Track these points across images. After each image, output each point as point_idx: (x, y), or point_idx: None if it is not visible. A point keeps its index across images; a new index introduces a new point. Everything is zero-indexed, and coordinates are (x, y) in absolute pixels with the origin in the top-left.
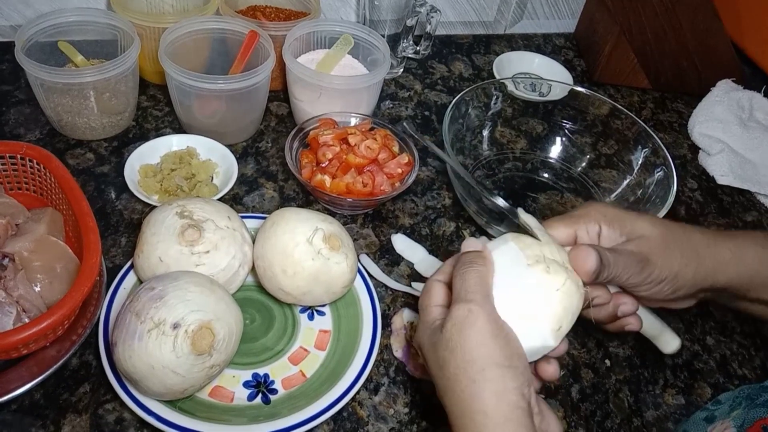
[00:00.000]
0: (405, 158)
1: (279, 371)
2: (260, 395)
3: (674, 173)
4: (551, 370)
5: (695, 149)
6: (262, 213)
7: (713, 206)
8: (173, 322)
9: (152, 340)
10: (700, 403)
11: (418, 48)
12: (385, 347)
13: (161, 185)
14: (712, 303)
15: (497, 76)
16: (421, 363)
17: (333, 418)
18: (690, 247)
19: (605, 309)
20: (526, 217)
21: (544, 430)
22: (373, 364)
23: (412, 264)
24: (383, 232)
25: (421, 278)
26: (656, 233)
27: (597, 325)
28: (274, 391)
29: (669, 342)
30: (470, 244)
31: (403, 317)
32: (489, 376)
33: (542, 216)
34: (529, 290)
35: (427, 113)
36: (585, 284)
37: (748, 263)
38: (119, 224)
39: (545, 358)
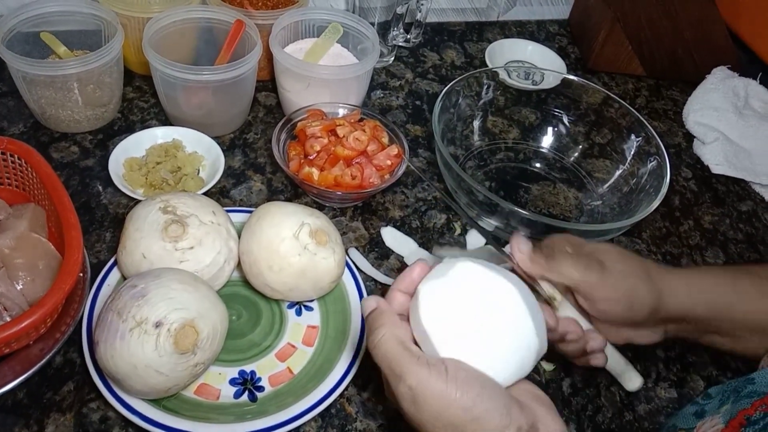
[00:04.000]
0: (394, 150)
1: (266, 368)
2: (247, 393)
3: (668, 163)
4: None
5: (690, 138)
6: (250, 206)
7: (708, 196)
8: (155, 321)
9: (134, 339)
10: (693, 396)
11: (408, 36)
12: None
13: (146, 179)
14: (682, 338)
15: (490, 64)
16: None
17: (321, 414)
18: (643, 269)
19: (576, 344)
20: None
21: None
22: (362, 360)
23: (402, 257)
24: (373, 225)
25: None
26: (614, 250)
27: (566, 358)
28: (260, 389)
29: (632, 379)
30: (369, 303)
31: None
32: None
33: (534, 207)
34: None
35: (418, 102)
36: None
37: (702, 292)
38: (104, 219)
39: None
